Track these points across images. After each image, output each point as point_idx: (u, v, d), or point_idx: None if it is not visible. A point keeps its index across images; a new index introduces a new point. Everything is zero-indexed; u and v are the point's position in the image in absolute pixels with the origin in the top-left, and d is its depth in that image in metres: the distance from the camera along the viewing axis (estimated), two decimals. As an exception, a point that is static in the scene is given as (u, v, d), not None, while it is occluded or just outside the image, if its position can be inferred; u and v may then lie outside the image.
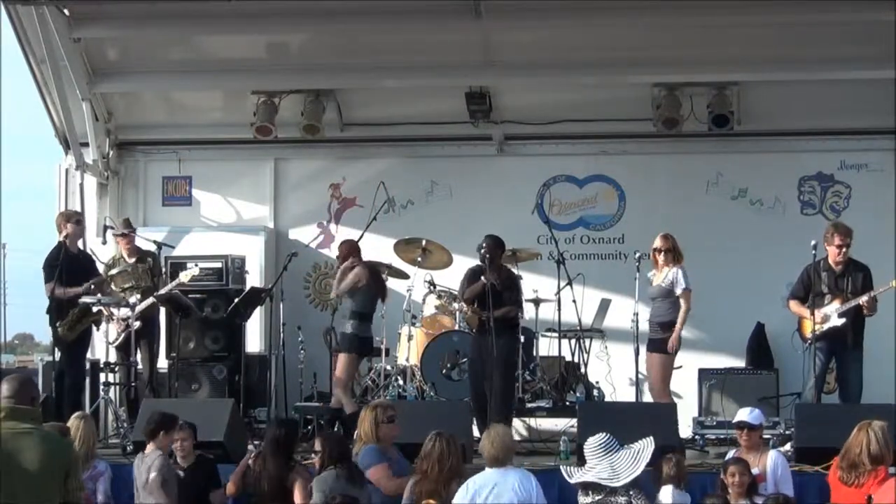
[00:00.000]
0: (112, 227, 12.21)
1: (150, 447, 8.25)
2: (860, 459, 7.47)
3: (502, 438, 7.46)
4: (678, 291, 10.15)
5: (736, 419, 8.34)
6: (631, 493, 7.04)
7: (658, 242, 10.26)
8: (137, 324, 10.62)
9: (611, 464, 7.10)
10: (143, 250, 11.19)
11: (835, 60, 11.94)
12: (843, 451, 7.62)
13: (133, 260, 11.05)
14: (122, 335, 10.76)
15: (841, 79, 12.19)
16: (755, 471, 7.88)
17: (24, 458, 4.96)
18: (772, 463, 7.99)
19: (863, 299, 9.79)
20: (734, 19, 11.65)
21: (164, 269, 11.33)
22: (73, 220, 10.87)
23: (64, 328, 10.42)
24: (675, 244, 10.28)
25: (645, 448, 7.26)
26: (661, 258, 10.22)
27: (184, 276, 10.90)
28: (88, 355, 11.25)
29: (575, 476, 7.27)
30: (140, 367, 10.86)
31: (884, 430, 7.49)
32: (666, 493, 7.56)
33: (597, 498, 7.08)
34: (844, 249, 9.96)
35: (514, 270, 10.97)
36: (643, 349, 10.19)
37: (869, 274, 10.02)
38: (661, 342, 10.11)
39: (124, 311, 10.72)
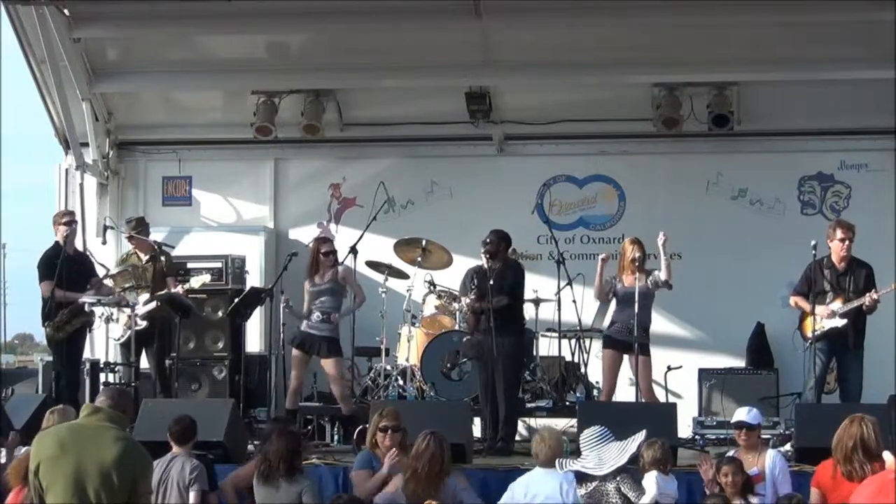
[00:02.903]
0: (112, 227, 12.21)
1: (178, 450, 8.19)
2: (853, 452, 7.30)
3: (557, 440, 7.54)
4: (664, 277, 10.09)
5: (734, 419, 8.34)
6: (618, 478, 7.15)
7: (637, 252, 10.15)
8: (144, 324, 10.61)
9: (598, 454, 7.23)
10: (158, 248, 11.13)
11: (835, 60, 11.94)
12: (843, 449, 7.43)
13: (146, 258, 11.01)
14: (128, 333, 10.75)
15: (841, 79, 12.19)
16: (754, 470, 7.87)
17: (98, 450, 5.22)
18: (770, 462, 7.96)
19: (864, 301, 9.79)
20: (734, 19, 11.66)
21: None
22: (68, 220, 10.84)
23: (52, 328, 10.40)
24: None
25: (634, 441, 7.35)
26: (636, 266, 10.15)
27: (195, 283, 10.90)
28: (88, 355, 11.24)
29: (566, 466, 7.38)
30: (146, 367, 10.84)
31: (874, 425, 7.35)
32: (650, 478, 7.52)
33: (590, 487, 7.22)
34: (847, 243, 9.95)
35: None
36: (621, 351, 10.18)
37: (871, 272, 10.03)
38: (648, 346, 10.10)
39: (134, 310, 10.71)
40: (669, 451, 7.85)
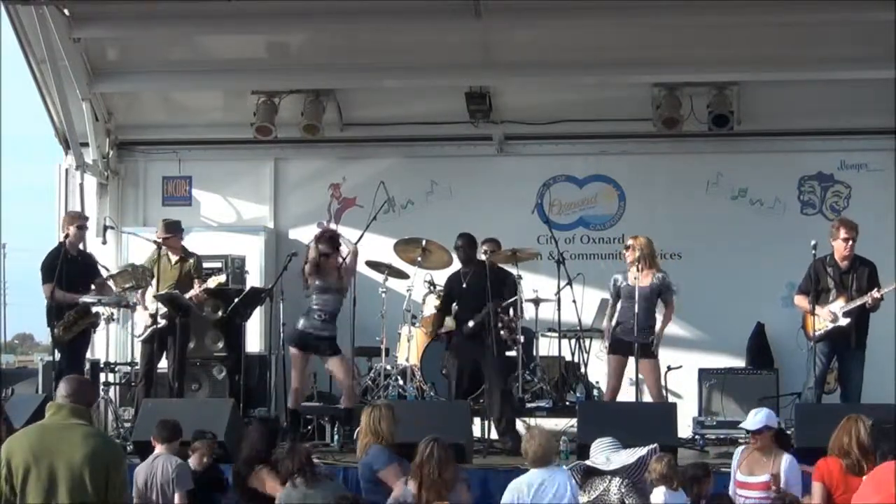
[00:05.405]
0: (113, 227, 12.21)
1: (161, 449, 8.16)
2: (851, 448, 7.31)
3: (547, 438, 7.50)
4: (670, 297, 10.14)
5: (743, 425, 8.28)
6: (623, 490, 7.16)
7: (637, 252, 10.17)
8: (163, 322, 10.64)
9: (608, 455, 7.25)
10: (188, 251, 11.18)
11: (835, 60, 11.94)
12: (840, 446, 7.42)
13: (175, 260, 11.03)
14: (149, 330, 10.76)
15: (841, 79, 12.19)
16: (766, 476, 7.82)
17: (66, 450, 5.15)
18: (786, 465, 7.84)
19: (867, 300, 9.79)
20: (734, 19, 11.66)
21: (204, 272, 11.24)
22: (76, 222, 10.84)
23: (60, 329, 10.41)
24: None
25: (645, 447, 7.36)
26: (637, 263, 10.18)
27: (211, 283, 10.93)
28: (88, 355, 11.25)
29: (572, 462, 7.41)
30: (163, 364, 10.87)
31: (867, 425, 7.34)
32: (658, 493, 7.53)
33: (593, 496, 7.22)
34: (851, 243, 9.96)
35: (514, 270, 10.97)
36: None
37: (874, 269, 10.04)
38: (650, 347, 10.08)
39: (154, 306, 10.73)
40: (676, 466, 7.83)
